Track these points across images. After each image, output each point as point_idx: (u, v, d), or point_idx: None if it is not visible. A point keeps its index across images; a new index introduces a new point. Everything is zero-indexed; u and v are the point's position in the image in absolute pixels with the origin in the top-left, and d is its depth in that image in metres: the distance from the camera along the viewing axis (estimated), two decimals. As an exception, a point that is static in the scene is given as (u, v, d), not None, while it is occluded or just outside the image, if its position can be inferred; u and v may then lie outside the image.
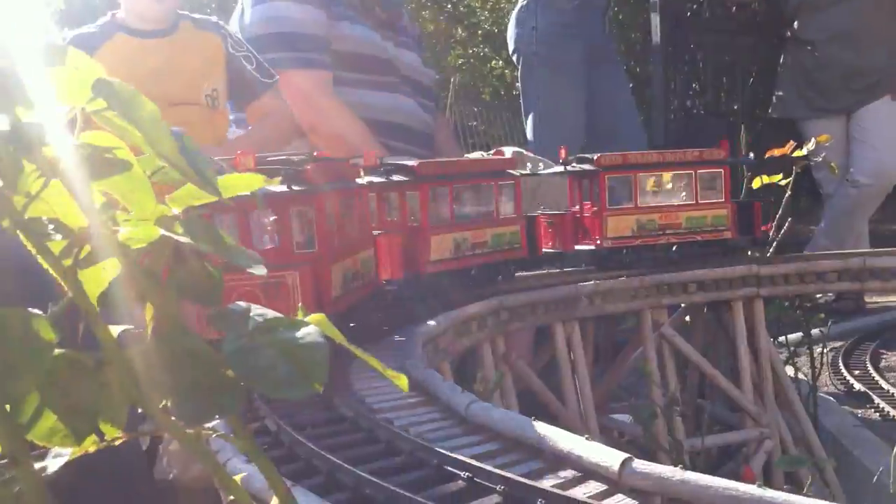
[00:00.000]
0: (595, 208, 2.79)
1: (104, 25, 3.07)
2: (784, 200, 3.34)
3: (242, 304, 0.77)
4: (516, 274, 2.71)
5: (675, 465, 1.20)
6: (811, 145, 3.17)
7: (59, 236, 0.61)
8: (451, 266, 2.31)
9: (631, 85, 5.87)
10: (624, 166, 2.80)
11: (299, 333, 0.73)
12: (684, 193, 2.87)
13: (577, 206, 2.85)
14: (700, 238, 2.92)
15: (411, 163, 2.26)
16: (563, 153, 2.84)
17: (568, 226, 2.72)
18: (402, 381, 0.83)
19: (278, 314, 0.75)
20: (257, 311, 0.76)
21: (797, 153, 3.18)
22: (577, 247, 2.86)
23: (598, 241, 2.79)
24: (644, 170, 2.82)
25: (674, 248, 2.92)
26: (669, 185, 2.86)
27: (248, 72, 3.29)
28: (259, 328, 0.74)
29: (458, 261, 2.33)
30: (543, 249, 2.76)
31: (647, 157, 2.90)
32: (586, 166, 2.79)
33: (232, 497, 0.83)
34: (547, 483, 1.21)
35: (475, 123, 7.43)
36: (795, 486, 3.08)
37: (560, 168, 2.83)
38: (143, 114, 0.58)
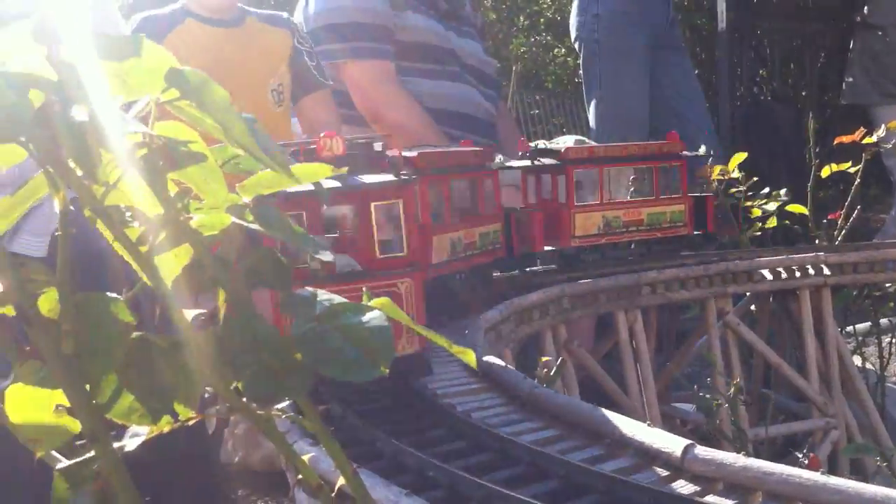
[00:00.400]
0: (561, 205, 2.62)
1: (174, 11, 3.13)
2: (853, 188, 3.28)
3: (309, 289, 0.80)
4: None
5: (739, 454, 1.20)
6: (881, 132, 3.11)
7: (136, 223, 0.64)
8: (446, 270, 2.09)
9: (696, 71, 5.79)
10: (590, 160, 2.64)
11: (365, 318, 0.75)
12: (646, 189, 2.73)
13: (535, 203, 2.68)
14: (660, 235, 2.78)
15: (409, 154, 2.00)
16: (524, 145, 2.68)
17: (537, 224, 2.52)
18: (469, 356, 0.85)
19: (343, 299, 0.77)
20: (324, 296, 0.78)
21: (867, 140, 3.12)
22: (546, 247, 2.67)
23: (567, 241, 2.62)
24: (610, 164, 2.67)
25: (632, 246, 2.78)
26: (632, 180, 2.71)
27: (308, 66, 3.34)
28: (326, 313, 0.76)
29: (451, 264, 2.10)
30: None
31: (612, 150, 2.75)
32: (550, 160, 2.63)
33: (300, 476, 0.86)
34: (608, 468, 1.22)
35: (537, 112, 7.40)
36: (861, 477, 3.04)
37: (526, 161, 2.65)
38: (215, 100, 0.60)
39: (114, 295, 0.66)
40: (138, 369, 0.67)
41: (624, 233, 2.70)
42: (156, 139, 0.63)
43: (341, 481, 0.87)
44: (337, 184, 1.46)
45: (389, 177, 1.53)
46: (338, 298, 0.77)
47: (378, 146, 1.63)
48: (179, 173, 0.68)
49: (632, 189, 2.68)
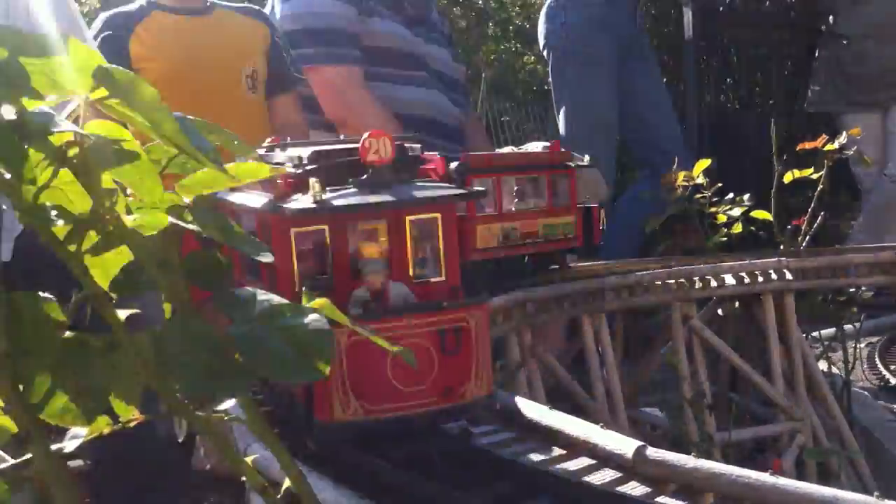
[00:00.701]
0: (461, 216, 2.39)
1: (141, 6, 3.14)
2: (816, 194, 3.31)
3: (250, 289, 0.79)
4: None
5: (706, 457, 1.20)
6: (843, 139, 3.15)
7: (61, 222, 0.63)
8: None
9: (664, 80, 5.84)
10: (489, 168, 2.48)
11: (305, 319, 0.75)
12: (538, 199, 2.57)
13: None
14: (553, 247, 2.63)
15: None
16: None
17: None
18: (410, 356, 0.85)
19: (283, 300, 0.77)
20: (263, 296, 0.78)
21: (829, 147, 3.16)
22: None
23: (468, 253, 2.43)
24: (507, 172, 2.51)
25: (525, 260, 2.64)
26: (525, 190, 2.54)
27: (285, 62, 3.36)
28: (265, 313, 0.76)
29: None
30: None
31: (509, 158, 2.64)
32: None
33: (243, 478, 0.86)
34: (562, 470, 1.22)
35: (507, 119, 7.42)
36: (829, 480, 3.06)
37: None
38: (143, 98, 0.60)
39: (46, 294, 0.66)
40: (71, 369, 0.67)
41: (521, 245, 2.53)
42: (87, 138, 0.63)
43: (288, 483, 0.87)
44: (387, 198, 1.24)
45: (453, 189, 1.34)
46: (277, 299, 0.77)
47: (415, 149, 1.42)
48: (114, 172, 0.68)
49: (516, 200, 2.53)
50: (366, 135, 1.26)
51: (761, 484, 1.08)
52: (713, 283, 2.98)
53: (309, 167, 1.30)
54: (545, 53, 5.23)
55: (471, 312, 1.25)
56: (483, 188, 1.39)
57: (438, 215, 1.31)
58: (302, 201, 1.21)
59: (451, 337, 1.22)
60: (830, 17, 5.95)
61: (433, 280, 1.32)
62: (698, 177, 3.27)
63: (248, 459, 0.86)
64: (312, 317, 0.73)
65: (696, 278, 2.94)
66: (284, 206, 1.22)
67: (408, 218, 1.29)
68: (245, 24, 3.29)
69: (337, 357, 1.16)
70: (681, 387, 2.92)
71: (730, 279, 3.00)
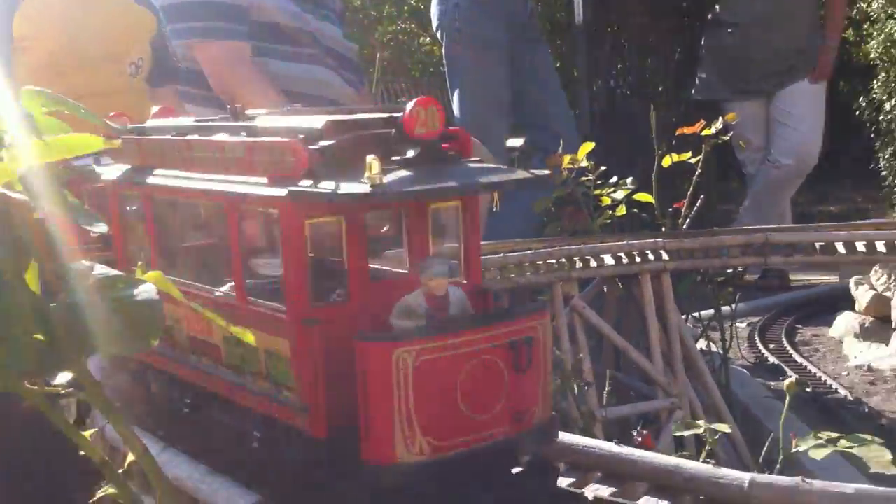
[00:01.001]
0: None
1: None
2: (695, 178, 3.40)
3: (86, 262, 0.78)
4: None
5: (585, 434, 1.24)
6: (719, 124, 3.24)
7: None
8: None
9: (557, 65, 5.90)
10: None
11: (136, 290, 0.74)
12: None
13: None
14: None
15: None
16: None
17: None
18: (249, 337, 0.86)
19: (119, 272, 0.76)
20: (99, 268, 0.77)
21: (706, 132, 3.25)
22: None
23: None
24: None
25: None
26: None
27: (170, 54, 3.34)
28: (97, 285, 0.75)
29: None
30: None
31: None
32: None
33: (82, 452, 0.85)
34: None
35: (403, 100, 7.40)
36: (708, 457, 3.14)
37: None
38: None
39: None
40: None
41: None
42: None
43: (131, 457, 0.86)
44: (450, 184, 1.07)
45: (515, 172, 1.15)
46: (113, 271, 0.76)
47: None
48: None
49: None
50: (411, 103, 1.11)
51: (606, 453, 1.12)
52: (593, 263, 3.03)
53: (329, 141, 1.09)
54: (438, 35, 5.23)
55: (540, 320, 1.09)
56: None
57: (460, 203, 1.15)
58: (322, 185, 1.03)
59: (523, 350, 1.05)
60: (716, 6, 6.09)
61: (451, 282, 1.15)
62: (583, 160, 3.32)
63: (87, 434, 0.85)
64: (142, 288, 0.73)
65: (576, 258, 2.99)
66: (300, 189, 1.03)
67: (431, 206, 1.15)
68: (133, 10, 3.26)
69: (402, 383, 0.98)
70: (562, 365, 2.97)
71: (609, 259, 3.06)
